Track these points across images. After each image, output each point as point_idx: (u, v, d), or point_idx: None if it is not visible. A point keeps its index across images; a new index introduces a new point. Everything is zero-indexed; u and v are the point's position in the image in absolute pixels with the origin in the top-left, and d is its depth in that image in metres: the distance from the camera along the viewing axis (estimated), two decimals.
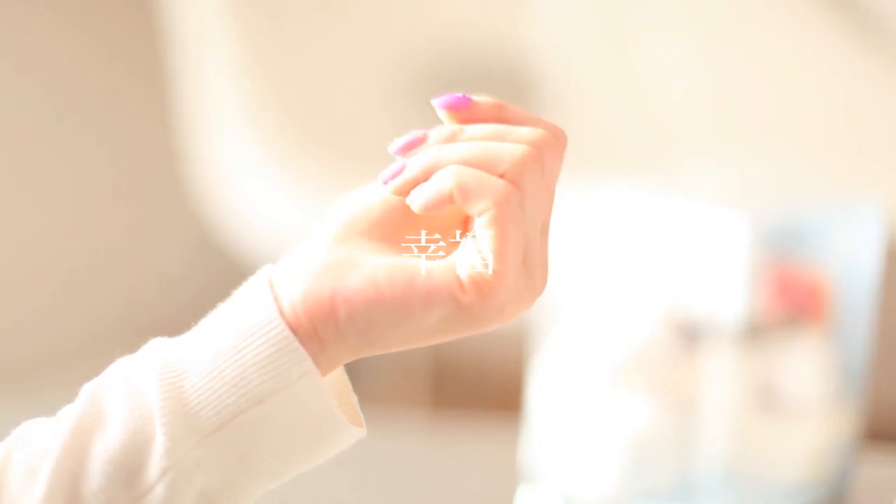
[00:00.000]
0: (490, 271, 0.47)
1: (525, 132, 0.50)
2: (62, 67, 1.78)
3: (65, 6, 1.79)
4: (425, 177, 0.49)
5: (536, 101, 1.80)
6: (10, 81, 1.72)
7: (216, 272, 1.82)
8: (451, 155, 0.49)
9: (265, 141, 1.67)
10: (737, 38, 1.81)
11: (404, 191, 0.49)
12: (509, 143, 0.49)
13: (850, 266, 0.92)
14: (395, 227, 0.50)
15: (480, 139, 0.50)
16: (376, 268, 0.48)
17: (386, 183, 0.50)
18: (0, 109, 1.72)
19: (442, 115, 0.51)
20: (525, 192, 0.48)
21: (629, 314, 0.92)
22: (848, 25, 1.71)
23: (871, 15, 1.70)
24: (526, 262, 0.48)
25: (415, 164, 0.49)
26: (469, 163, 0.48)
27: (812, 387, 0.91)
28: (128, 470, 0.46)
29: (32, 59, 1.75)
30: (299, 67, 1.77)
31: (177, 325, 0.52)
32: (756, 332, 0.90)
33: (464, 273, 0.47)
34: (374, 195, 0.51)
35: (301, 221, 1.60)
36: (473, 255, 0.48)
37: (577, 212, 0.92)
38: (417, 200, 0.49)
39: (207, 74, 1.68)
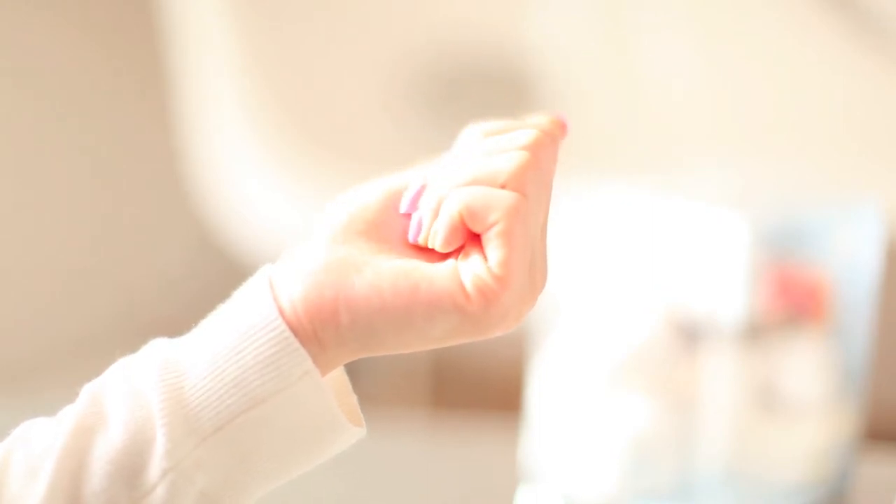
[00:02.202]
0: (495, 279, 0.47)
1: (516, 138, 0.50)
2: (62, 67, 1.78)
3: (65, 6, 1.79)
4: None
5: (536, 101, 1.80)
6: (11, 81, 1.72)
7: (216, 272, 1.82)
8: (451, 185, 0.49)
9: (265, 141, 1.67)
10: (737, 38, 1.81)
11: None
12: (504, 154, 0.49)
13: (850, 266, 0.92)
14: (393, 226, 0.50)
15: (474, 160, 0.50)
16: (379, 273, 0.47)
17: (413, 240, 0.50)
18: (0, 109, 1.72)
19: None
20: (527, 196, 0.48)
21: (629, 314, 0.92)
22: (848, 25, 1.71)
23: (871, 15, 1.70)
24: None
25: (426, 210, 0.49)
26: (469, 185, 0.48)
27: (812, 387, 0.91)
28: (129, 470, 0.46)
29: (32, 59, 1.74)
30: (299, 67, 1.77)
31: (177, 325, 0.52)
32: (756, 332, 0.90)
33: (468, 281, 0.47)
34: (371, 194, 0.51)
35: (301, 221, 1.60)
36: (477, 262, 0.47)
37: (577, 212, 0.92)
38: (437, 240, 0.49)
39: (207, 74, 1.67)
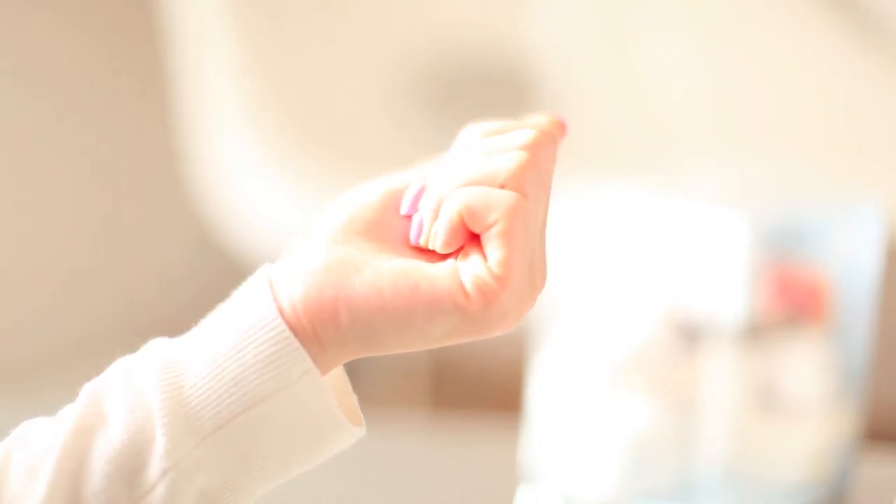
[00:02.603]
0: (495, 279, 0.47)
1: (515, 138, 0.50)
2: (62, 67, 1.78)
3: (65, 6, 1.79)
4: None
5: (536, 101, 1.80)
6: (11, 81, 1.72)
7: (216, 272, 1.82)
8: (451, 185, 0.49)
9: (265, 141, 1.67)
10: (737, 38, 1.81)
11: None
12: (503, 154, 0.49)
13: (850, 266, 0.92)
14: (393, 226, 0.50)
15: (474, 160, 0.50)
16: (379, 273, 0.47)
17: (415, 242, 0.50)
18: (0, 109, 1.72)
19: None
20: (527, 195, 0.48)
21: (629, 314, 0.92)
22: (848, 25, 1.71)
23: (871, 15, 1.70)
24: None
25: (426, 212, 0.50)
26: (469, 185, 0.48)
27: (812, 387, 0.91)
28: (129, 470, 0.46)
29: (32, 59, 1.74)
30: (299, 67, 1.77)
31: (177, 325, 0.52)
32: (756, 332, 0.90)
33: (468, 281, 0.47)
34: (371, 194, 0.51)
35: (301, 221, 1.60)
36: (477, 262, 0.47)
37: (577, 212, 0.92)
38: (437, 241, 0.49)
39: (207, 74, 1.68)
